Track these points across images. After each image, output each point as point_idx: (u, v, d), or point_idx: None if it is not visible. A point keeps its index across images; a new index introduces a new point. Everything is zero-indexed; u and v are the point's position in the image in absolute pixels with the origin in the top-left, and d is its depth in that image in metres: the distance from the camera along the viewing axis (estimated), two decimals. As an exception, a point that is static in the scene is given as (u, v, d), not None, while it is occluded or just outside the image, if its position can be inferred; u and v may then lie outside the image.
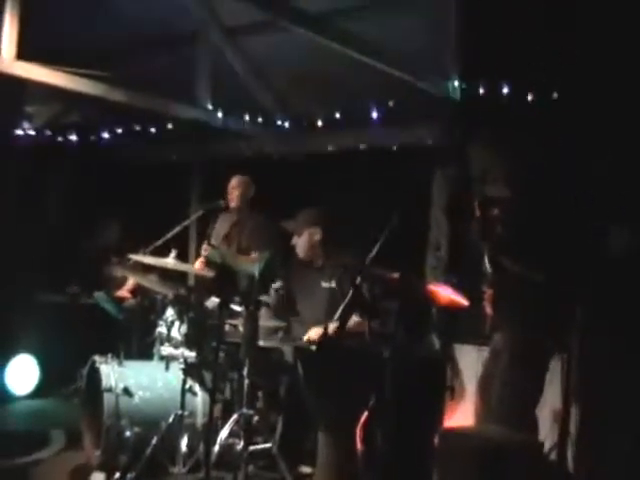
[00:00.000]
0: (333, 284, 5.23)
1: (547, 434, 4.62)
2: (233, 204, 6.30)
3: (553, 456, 4.46)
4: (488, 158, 4.49)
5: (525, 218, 4.21)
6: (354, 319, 4.69)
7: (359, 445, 3.98)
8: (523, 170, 4.48)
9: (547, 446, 4.44)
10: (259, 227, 6.22)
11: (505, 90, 5.58)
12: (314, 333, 4.99)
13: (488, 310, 4.41)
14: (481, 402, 4.52)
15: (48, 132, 8.85)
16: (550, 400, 4.72)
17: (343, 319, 4.27)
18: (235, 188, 6.31)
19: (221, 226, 6.49)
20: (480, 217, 4.30)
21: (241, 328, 4.79)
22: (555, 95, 5.48)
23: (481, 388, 4.54)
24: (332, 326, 4.49)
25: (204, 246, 6.08)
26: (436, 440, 3.91)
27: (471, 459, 3.68)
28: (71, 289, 7.51)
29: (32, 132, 8.67)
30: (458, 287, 4.43)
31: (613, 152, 4.96)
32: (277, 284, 5.37)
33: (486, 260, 4.45)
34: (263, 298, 5.04)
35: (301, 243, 5.40)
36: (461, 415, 5.08)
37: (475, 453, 3.68)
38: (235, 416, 4.65)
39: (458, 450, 3.77)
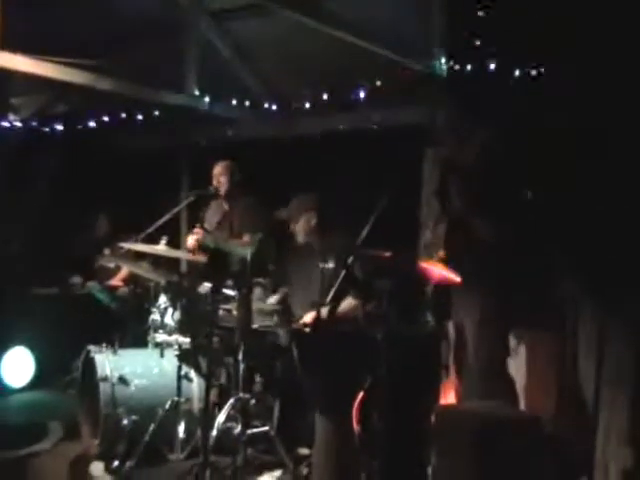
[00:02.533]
0: (330, 264, 5.24)
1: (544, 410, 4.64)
2: (222, 190, 6.27)
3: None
4: (458, 123, 4.51)
5: (492, 183, 4.22)
6: (348, 302, 4.69)
7: (355, 426, 3.98)
8: (497, 136, 4.49)
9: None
10: (249, 211, 6.20)
11: (492, 67, 5.56)
12: (309, 318, 4.99)
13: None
14: (458, 376, 4.55)
15: (35, 123, 8.79)
16: (547, 377, 4.74)
17: (336, 300, 4.28)
18: (221, 174, 6.28)
19: (213, 214, 6.47)
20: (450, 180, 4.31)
21: (235, 312, 4.79)
22: (541, 70, 5.46)
23: (456, 359, 4.57)
24: (325, 310, 4.50)
25: (196, 229, 6.06)
26: (433, 418, 3.93)
27: (469, 436, 3.70)
28: (73, 280, 7.50)
29: (19, 123, 8.61)
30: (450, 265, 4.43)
31: (599, 127, 4.96)
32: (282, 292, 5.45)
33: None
34: (257, 280, 5.07)
35: (299, 229, 5.43)
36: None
37: (472, 430, 3.69)
38: (232, 400, 4.66)
39: (455, 427, 3.79)
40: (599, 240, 4.47)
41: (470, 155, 4.44)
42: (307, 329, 4.82)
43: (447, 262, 4.40)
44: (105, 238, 7.57)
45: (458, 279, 4.08)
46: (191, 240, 5.98)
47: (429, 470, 3.94)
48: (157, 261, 5.46)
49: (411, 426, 4.21)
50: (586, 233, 4.52)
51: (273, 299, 5.47)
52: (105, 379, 4.92)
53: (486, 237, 4.26)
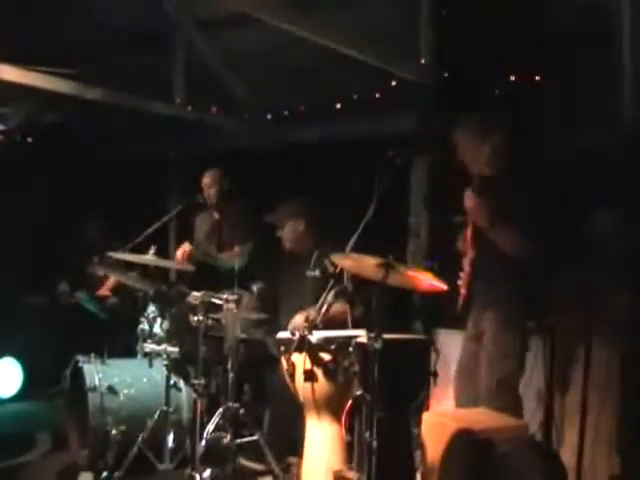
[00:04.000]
0: (317, 272, 5.24)
1: (532, 416, 4.65)
2: (211, 199, 6.26)
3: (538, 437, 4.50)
4: (474, 139, 4.46)
5: (511, 196, 4.19)
6: (337, 306, 4.70)
7: (344, 433, 3.98)
8: (508, 149, 4.45)
9: (533, 428, 4.47)
10: (239, 220, 6.20)
11: (479, 74, 5.57)
12: (298, 319, 4.99)
13: (463, 291, 4.41)
14: (461, 386, 4.53)
15: (23, 132, 8.77)
16: (535, 382, 4.74)
17: (325, 307, 4.30)
18: (211, 183, 6.26)
19: (202, 223, 6.47)
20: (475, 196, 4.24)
21: (224, 322, 4.79)
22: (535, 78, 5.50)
23: (462, 372, 4.55)
24: (313, 313, 4.50)
25: (186, 243, 6.06)
26: (422, 425, 3.93)
27: (457, 443, 3.70)
28: (61, 287, 7.47)
29: (7, 133, 8.59)
30: (438, 272, 4.43)
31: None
32: (257, 284, 5.41)
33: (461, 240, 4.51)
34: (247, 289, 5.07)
35: (286, 235, 5.43)
36: (445, 400, 5.09)
37: (460, 437, 3.70)
38: (221, 410, 4.65)
39: (443, 434, 3.79)
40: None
41: (483, 162, 4.40)
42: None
43: (474, 282, 4.38)
44: (94, 247, 7.54)
45: (445, 287, 4.08)
46: (180, 252, 5.99)
47: (418, 476, 3.96)
48: (146, 270, 5.44)
49: (399, 433, 4.21)
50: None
51: (253, 288, 5.45)
52: (94, 389, 4.90)
53: (508, 248, 4.20)
